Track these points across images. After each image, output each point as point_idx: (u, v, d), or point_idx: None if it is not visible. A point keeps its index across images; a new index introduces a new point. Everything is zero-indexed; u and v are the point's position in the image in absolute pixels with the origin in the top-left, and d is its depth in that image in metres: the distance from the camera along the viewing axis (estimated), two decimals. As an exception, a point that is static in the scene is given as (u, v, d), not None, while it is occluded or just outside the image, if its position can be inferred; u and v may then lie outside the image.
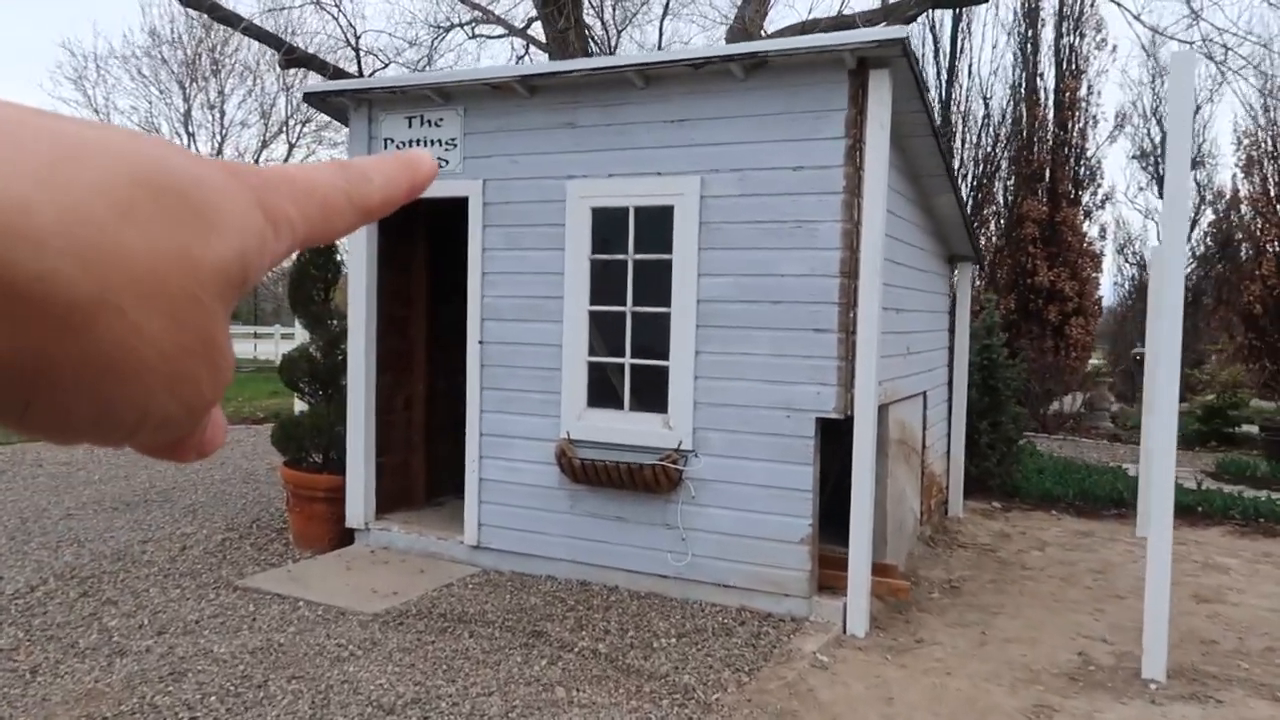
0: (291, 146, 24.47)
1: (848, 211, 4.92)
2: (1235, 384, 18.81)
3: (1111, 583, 6.13)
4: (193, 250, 0.28)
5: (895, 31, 4.75)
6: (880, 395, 5.18)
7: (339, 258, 6.79)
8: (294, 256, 6.94)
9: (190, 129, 23.69)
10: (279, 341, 27.08)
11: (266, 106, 24.86)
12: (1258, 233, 19.47)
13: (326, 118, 24.14)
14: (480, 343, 5.90)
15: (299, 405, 9.86)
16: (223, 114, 24.99)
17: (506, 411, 5.84)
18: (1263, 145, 19.82)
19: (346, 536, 6.39)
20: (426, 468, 7.04)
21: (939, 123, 5.45)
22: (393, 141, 6.11)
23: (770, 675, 4.35)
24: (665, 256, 5.33)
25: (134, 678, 4.17)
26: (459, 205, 6.01)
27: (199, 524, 6.97)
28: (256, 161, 23.79)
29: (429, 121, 5.99)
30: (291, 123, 24.24)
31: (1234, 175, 20.81)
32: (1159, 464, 4.40)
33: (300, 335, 11.57)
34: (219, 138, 24.19)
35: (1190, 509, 8.12)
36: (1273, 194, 19.53)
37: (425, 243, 6.99)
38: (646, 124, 5.39)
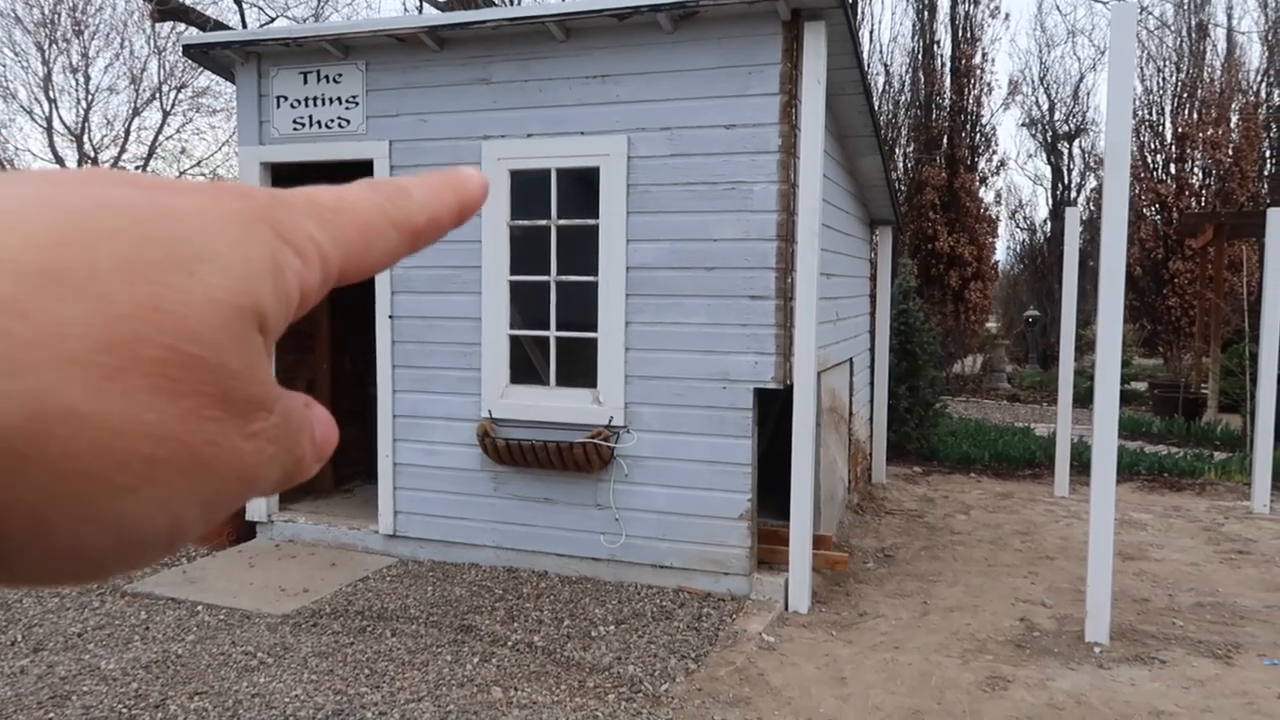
0: (166, 114, 22.90)
1: (783, 172, 4.68)
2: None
3: (1038, 544, 6.16)
4: (164, 299, 0.23)
5: (831, -19, 4.52)
6: (816, 363, 5.00)
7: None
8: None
9: (51, 95, 21.89)
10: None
11: (136, 71, 23.19)
12: (1137, 198, 20.30)
13: (205, 83, 22.51)
14: (391, 317, 5.47)
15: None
16: (88, 79, 23.18)
17: (422, 391, 5.45)
18: (1140, 114, 20.63)
19: (247, 530, 5.91)
20: (334, 453, 6.55)
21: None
22: (285, 100, 5.58)
23: (718, 661, 4.14)
24: (591, 222, 5.01)
25: (7, 704, 3.67)
26: (362, 169, 5.55)
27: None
28: (127, 133, 22.27)
29: (327, 78, 5.49)
30: (165, 88, 22.68)
31: (1116, 142, 21.54)
32: (1100, 437, 4.34)
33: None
34: (84, 105, 22.44)
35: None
36: (1150, 160, 20.37)
37: (324, 211, 6.47)
38: (568, 80, 5.04)
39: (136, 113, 22.78)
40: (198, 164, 24.41)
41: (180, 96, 23.18)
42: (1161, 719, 3.63)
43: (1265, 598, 5.10)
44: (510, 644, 4.30)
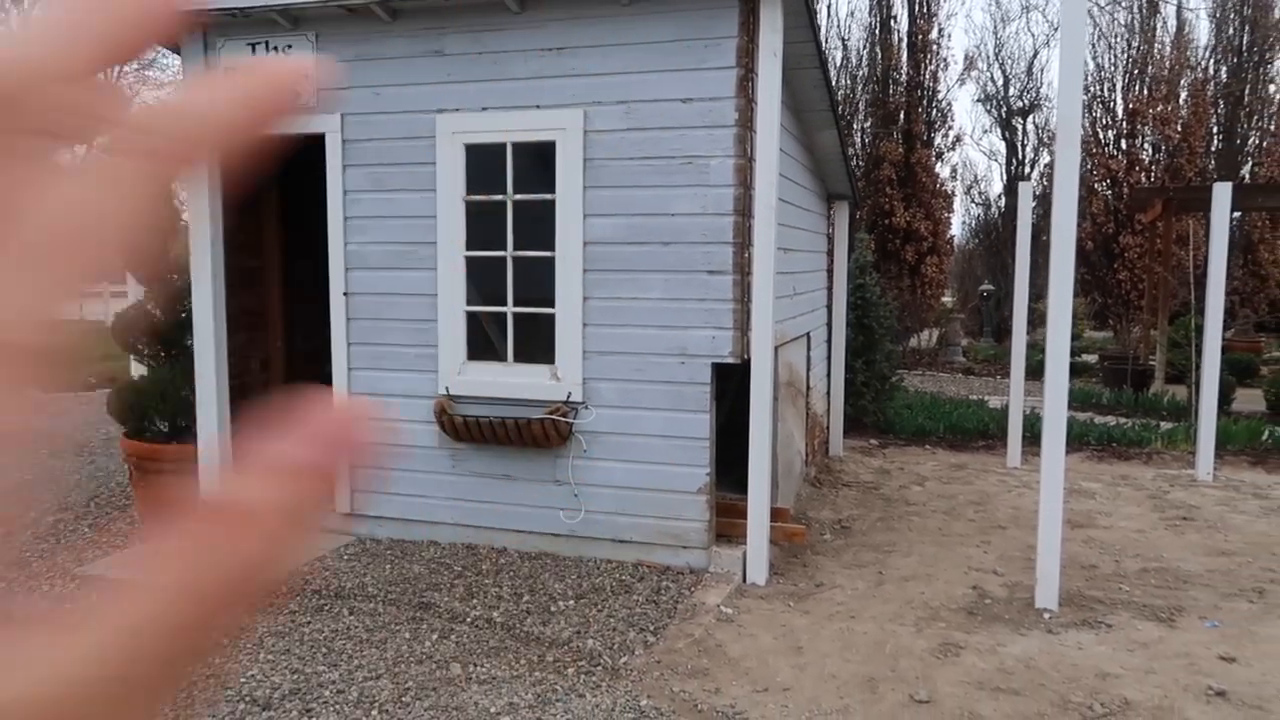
0: (111, 86, 22.32)
1: (740, 146, 4.68)
2: (1075, 316, 19.99)
3: (991, 514, 6.28)
4: None
5: (786, -46, 4.50)
6: (774, 337, 5.02)
7: (176, 203, 6.08)
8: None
9: (-11, 65, 21.21)
10: (109, 300, 25.03)
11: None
12: (1088, 173, 20.63)
13: (150, 54, 22.01)
14: (346, 294, 5.40)
15: (136, 369, 9.00)
16: None
17: (378, 368, 5.39)
18: (1092, 90, 20.92)
19: (201, 511, 5.82)
20: (288, 432, 6.49)
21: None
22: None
23: (677, 633, 4.18)
24: (548, 196, 4.97)
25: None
26: (315, 144, 5.45)
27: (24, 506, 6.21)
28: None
29: (276, 49, 5.37)
30: (109, 59, 22.09)
31: (1069, 118, 21.83)
32: (1050, 408, 4.43)
33: (134, 291, 10.56)
34: (24, 75, 21.79)
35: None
36: (1101, 136, 20.69)
37: (276, 188, 6.35)
38: (523, 53, 4.98)
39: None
40: (145, 138, 23.79)
41: (124, 69, 22.57)
42: (1107, 681, 3.73)
43: (1207, 562, 5.25)
44: (469, 620, 4.30)
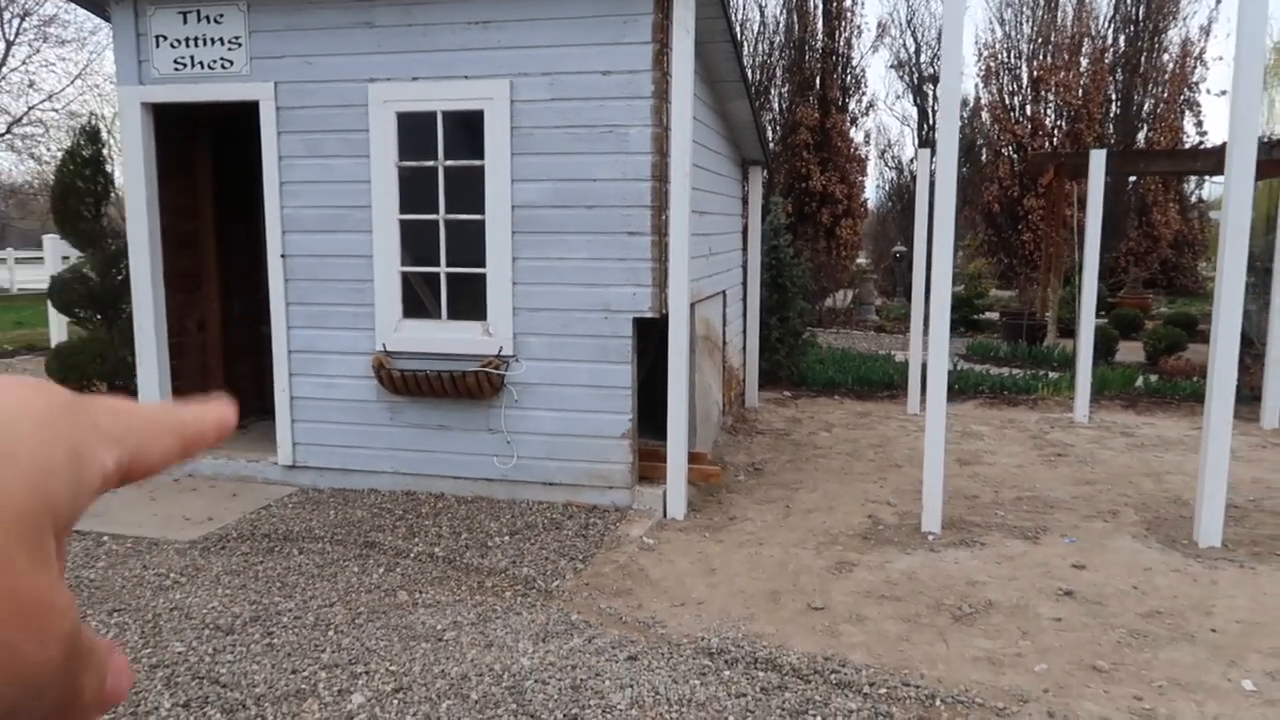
0: (10, 44, 21.45)
1: (657, 116, 5.07)
2: (979, 275, 20.97)
3: (890, 455, 6.87)
4: None
5: (697, -62, 4.87)
6: (690, 294, 5.45)
7: (109, 168, 6.20)
8: (59, 167, 6.27)
9: (-123, 22, 20.20)
10: (13, 267, 24.22)
11: (-26, -5, 21.54)
12: (995, 138, 21.53)
13: (53, 10, 21.05)
14: (283, 256, 5.65)
15: (57, 334, 9.01)
16: (-82, 3, 21.43)
17: (317, 327, 5.67)
18: (1000, 57, 21.77)
19: (144, 467, 6.04)
20: (227, 391, 6.71)
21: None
22: (165, 39, 5.61)
23: (603, 560, 4.63)
24: (477, 163, 5.30)
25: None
26: (247, 111, 5.65)
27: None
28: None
29: (207, 18, 5.54)
30: (8, 15, 21.20)
31: (975, 85, 22.68)
32: (934, 350, 4.96)
33: (51, 258, 10.47)
34: (-84, 32, 20.80)
35: (949, 387, 9.11)
36: (1008, 103, 21.59)
37: (209, 153, 6.51)
38: (450, 25, 5.26)
39: (-23, 42, 21.22)
40: (49, 98, 23.00)
41: (24, 25, 21.71)
42: (975, 587, 4.31)
43: (1073, 490, 5.91)
44: (413, 555, 4.68)
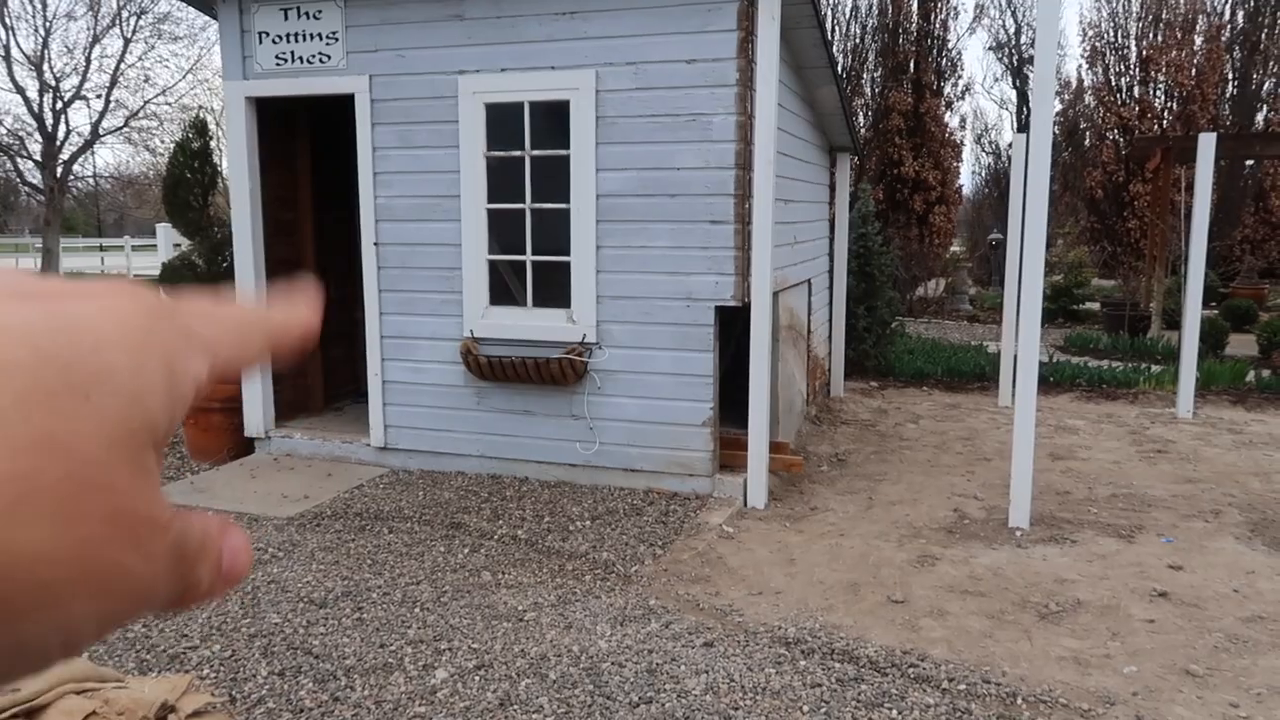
0: (127, 41, 22.53)
1: (741, 104, 5.05)
2: (1080, 264, 20.23)
3: (978, 448, 6.71)
4: (59, 430, 0.24)
5: (784, -78, 4.82)
6: (772, 283, 5.43)
7: (215, 159, 6.50)
8: (170, 158, 6.61)
9: (7, 22, 21.45)
10: (130, 254, 25.55)
11: (95, -4, 22.72)
12: (1100, 121, 20.67)
13: (166, 8, 22.05)
14: (375, 244, 5.83)
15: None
16: (45, 4, 22.74)
17: (407, 313, 5.84)
18: (1105, 36, 20.88)
19: (246, 446, 6.33)
20: (323, 374, 6.98)
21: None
22: (267, 36, 5.83)
23: (682, 547, 4.66)
24: (563, 152, 5.36)
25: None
26: (341, 104, 5.84)
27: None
28: (87, 61, 21.86)
29: (307, 14, 5.74)
30: (125, 14, 22.28)
31: (1079, 66, 21.82)
32: (1024, 341, 4.83)
33: (163, 245, 11.02)
34: (43, 31, 22.02)
35: (1044, 379, 8.86)
36: (1114, 84, 20.70)
37: (308, 145, 6.75)
38: (537, 16, 5.33)
39: (96, 40, 22.35)
40: (163, 92, 24.13)
41: (140, 23, 22.76)
42: (1064, 585, 4.19)
43: (1173, 488, 5.68)
44: (496, 537, 4.80)
